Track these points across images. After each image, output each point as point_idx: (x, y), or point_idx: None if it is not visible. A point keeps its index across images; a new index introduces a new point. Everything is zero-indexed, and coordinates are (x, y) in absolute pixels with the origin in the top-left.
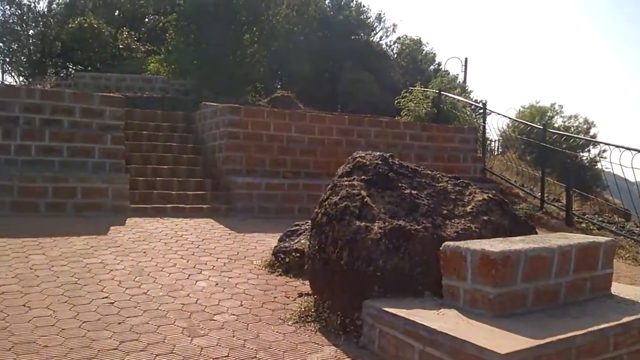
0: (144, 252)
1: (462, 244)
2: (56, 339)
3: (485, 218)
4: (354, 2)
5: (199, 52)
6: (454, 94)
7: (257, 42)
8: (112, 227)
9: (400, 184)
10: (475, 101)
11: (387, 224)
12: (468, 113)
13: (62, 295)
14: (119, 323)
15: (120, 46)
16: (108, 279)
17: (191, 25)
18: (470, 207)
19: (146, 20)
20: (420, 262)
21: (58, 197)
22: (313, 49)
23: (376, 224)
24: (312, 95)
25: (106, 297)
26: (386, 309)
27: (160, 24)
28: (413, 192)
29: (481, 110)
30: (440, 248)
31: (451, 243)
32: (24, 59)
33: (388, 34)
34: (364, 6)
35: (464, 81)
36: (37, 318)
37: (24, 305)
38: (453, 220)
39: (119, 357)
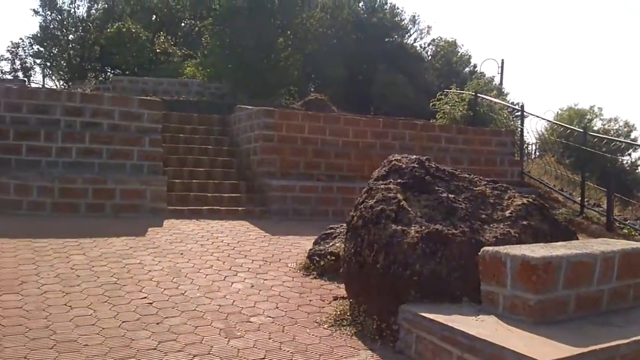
0: (181, 254)
1: (502, 249)
2: (96, 338)
3: (524, 223)
4: (388, 4)
5: (233, 55)
6: (490, 96)
7: (291, 45)
8: (150, 229)
9: (437, 188)
10: (512, 103)
11: (423, 228)
12: (505, 116)
13: (102, 295)
14: (158, 323)
15: (157, 50)
16: (146, 279)
17: (226, 30)
18: (509, 211)
19: (182, 24)
20: (457, 267)
21: (97, 198)
22: (346, 51)
23: (412, 227)
24: (346, 98)
25: (145, 298)
26: (423, 314)
27: (196, 28)
28: (450, 195)
29: (518, 113)
30: (479, 253)
31: (490, 248)
32: (64, 64)
33: (422, 35)
34: (398, 8)
35: (500, 83)
36: (78, 317)
37: (65, 305)
38: (491, 225)
39: (157, 357)
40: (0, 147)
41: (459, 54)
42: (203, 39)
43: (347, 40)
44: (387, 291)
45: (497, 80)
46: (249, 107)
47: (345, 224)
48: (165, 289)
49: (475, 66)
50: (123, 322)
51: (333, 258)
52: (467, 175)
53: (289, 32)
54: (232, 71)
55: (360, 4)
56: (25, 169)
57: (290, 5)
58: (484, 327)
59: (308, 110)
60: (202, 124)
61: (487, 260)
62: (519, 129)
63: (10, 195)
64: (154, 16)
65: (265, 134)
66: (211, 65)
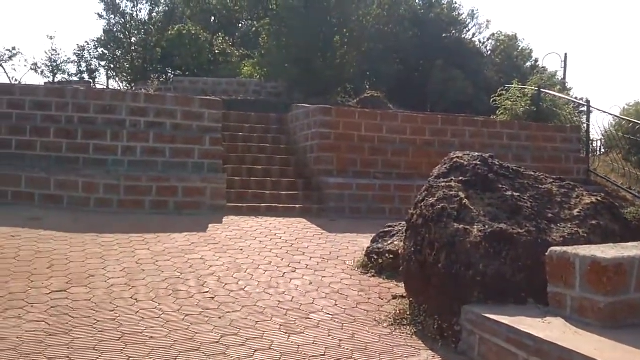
0: (241, 250)
1: (570, 249)
2: (161, 330)
3: (593, 222)
4: None
5: (290, 54)
6: (553, 91)
7: (347, 43)
8: (210, 225)
9: (500, 186)
10: (576, 99)
11: (487, 227)
12: (569, 111)
13: (166, 289)
14: (220, 317)
15: (216, 51)
16: (208, 274)
17: (283, 29)
18: (577, 210)
19: (240, 25)
20: (523, 268)
21: (161, 195)
22: (403, 48)
23: (475, 226)
24: (401, 95)
25: (207, 292)
26: (488, 315)
27: (254, 28)
28: (515, 194)
29: (583, 108)
30: (546, 253)
31: (558, 248)
32: (127, 65)
33: (481, 30)
34: (455, 3)
35: (564, 78)
36: (144, 310)
37: (131, 298)
38: (559, 225)
39: (220, 351)
40: (69, 146)
41: (520, 48)
42: (260, 39)
43: (403, 37)
44: (449, 291)
45: (560, 75)
46: (306, 105)
47: (403, 222)
48: (226, 284)
49: (536, 61)
50: (186, 315)
51: (391, 256)
52: (532, 173)
53: (345, 30)
54: (289, 70)
55: (418, 0)
56: (92, 167)
57: (347, 3)
58: (551, 329)
59: (364, 108)
60: (260, 122)
61: (555, 260)
62: (585, 125)
63: (79, 192)
64: (213, 18)
65: (322, 132)
66: (268, 65)
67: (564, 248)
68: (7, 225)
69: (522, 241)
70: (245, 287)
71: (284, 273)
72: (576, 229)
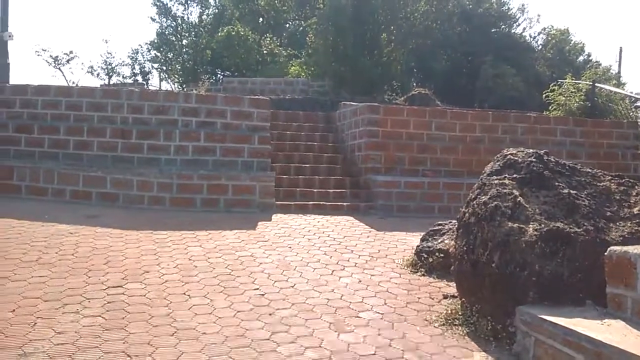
0: (290, 247)
1: (632, 249)
2: (213, 326)
3: None
4: None
5: (337, 53)
6: (608, 85)
7: (394, 40)
8: (259, 223)
9: (557, 183)
10: (632, 93)
11: (543, 225)
12: (626, 106)
13: (217, 286)
14: (270, 314)
15: (264, 51)
16: (258, 271)
17: (330, 28)
18: (637, 208)
19: (287, 25)
20: (580, 268)
21: (212, 193)
22: (451, 44)
23: (531, 225)
24: (450, 92)
25: (257, 289)
26: (544, 317)
27: (301, 28)
28: (572, 192)
29: None
30: (605, 253)
31: (618, 248)
32: (179, 67)
33: (532, 25)
34: None
35: (618, 72)
36: (196, 306)
37: (184, 294)
38: (618, 223)
39: (270, 347)
40: (124, 146)
41: (572, 42)
42: (307, 38)
43: (451, 33)
44: (502, 291)
45: (614, 69)
46: (354, 103)
47: (454, 221)
48: (275, 281)
49: (589, 55)
50: (237, 312)
51: (442, 255)
52: (589, 170)
53: (392, 27)
54: (336, 68)
55: None
56: (146, 166)
57: (394, 0)
58: (611, 332)
59: (412, 105)
60: (308, 121)
61: (615, 261)
62: None
63: (134, 190)
64: (261, 19)
65: (369, 130)
66: (315, 64)
67: (625, 248)
68: (65, 223)
69: (579, 240)
70: (295, 284)
71: (333, 271)
72: (637, 228)
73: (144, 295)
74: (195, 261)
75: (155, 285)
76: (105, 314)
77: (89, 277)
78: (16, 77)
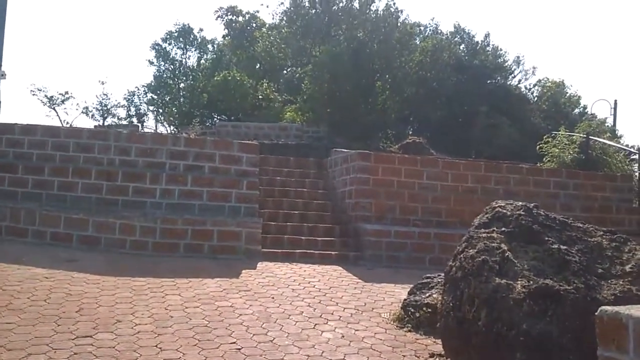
0: (272, 298)
1: (623, 309)
2: None
3: None
4: (491, 45)
5: (332, 99)
6: (603, 138)
7: (389, 89)
8: (244, 271)
9: (546, 238)
10: (627, 146)
11: (531, 282)
12: (620, 159)
13: (192, 338)
14: None
15: (260, 96)
16: (237, 323)
17: (326, 75)
18: (629, 266)
19: (284, 72)
20: (570, 328)
21: (196, 239)
22: (446, 93)
23: (519, 282)
24: (445, 141)
25: (234, 343)
26: None
27: (297, 74)
28: (562, 247)
29: (635, 156)
30: (596, 313)
31: (609, 308)
32: (175, 110)
33: (527, 76)
34: (500, 49)
35: (614, 125)
36: None
37: (156, 347)
38: (610, 281)
39: None
40: (109, 188)
41: (567, 94)
42: (303, 85)
43: (446, 83)
44: (490, 352)
45: (610, 122)
46: (345, 150)
47: (442, 274)
48: (254, 334)
49: (585, 107)
50: None
51: (429, 310)
52: (580, 225)
53: (387, 75)
54: (330, 115)
55: (461, 47)
56: (130, 209)
57: (389, 50)
58: None
59: (405, 154)
60: (299, 167)
61: (606, 321)
62: (637, 174)
63: (116, 234)
64: (258, 64)
65: (360, 178)
66: (310, 110)
67: (616, 308)
68: (42, 267)
69: (569, 299)
70: (274, 338)
71: (315, 325)
72: (629, 287)
73: (113, 347)
74: (172, 311)
75: (127, 336)
76: None
77: (59, 325)
78: (9, 116)
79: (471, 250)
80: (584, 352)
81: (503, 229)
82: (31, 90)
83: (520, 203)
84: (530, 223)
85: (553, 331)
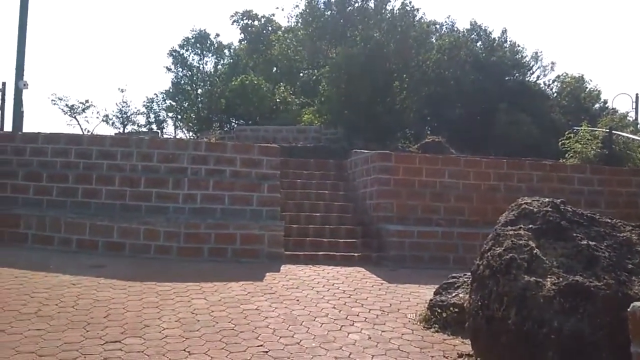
0: (297, 300)
1: None
2: None
3: None
4: (508, 42)
5: (349, 101)
6: (626, 132)
7: (406, 88)
8: (267, 274)
9: (575, 234)
10: None
11: (561, 279)
12: None
13: (219, 342)
14: None
15: (277, 100)
16: (263, 326)
17: (343, 76)
18: None
19: (301, 74)
20: (602, 325)
21: (219, 243)
22: (464, 91)
23: (548, 279)
24: (464, 139)
25: (261, 345)
26: None
27: (314, 77)
28: (591, 243)
29: None
30: (628, 309)
31: None
32: (193, 116)
33: (546, 72)
34: (518, 46)
35: (635, 119)
36: None
37: (184, 350)
38: None
39: None
40: (132, 194)
41: (587, 89)
42: (320, 87)
43: (464, 81)
44: (520, 350)
45: (631, 116)
46: (365, 151)
47: (468, 273)
48: (281, 337)
49: (605, 102)
50: None
51: (456, 310)
52: (608, 220)
53: (404, 75)
54: (348, 116)
55: (479, 44)
56: (154, 215)
57: (406, 49)
58: None
59: (425, 153)
60: (319, 169)
61: (638, 317)
62: None
63: (140, 239)
64: (275, 68)
65: (381, 178)
66: (328, 112)
67: None
68: (69, 273)
69: (600, 295)
70: (301, 340)
71: (341, 326)
72: None
73: (142, 352)
74: (198, 315)
75: (155, 340)
76: None
77: (87, 331)
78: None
79: (498, 248)
80: (616, 348)
81: (530, 225)
82: (52, 100)
83: (547, 199)
84: (558, 219)
85: (585, 328)
